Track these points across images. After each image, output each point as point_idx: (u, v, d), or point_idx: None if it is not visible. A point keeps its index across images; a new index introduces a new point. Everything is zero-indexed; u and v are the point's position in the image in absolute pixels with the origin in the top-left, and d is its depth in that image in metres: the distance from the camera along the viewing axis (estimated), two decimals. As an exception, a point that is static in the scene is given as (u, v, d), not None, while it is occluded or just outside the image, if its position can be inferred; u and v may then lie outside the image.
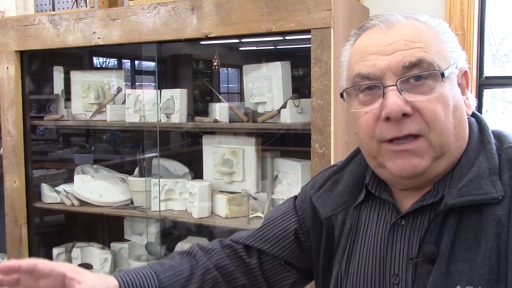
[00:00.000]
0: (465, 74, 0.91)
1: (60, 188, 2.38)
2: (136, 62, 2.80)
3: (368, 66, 0.87)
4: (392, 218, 0.92)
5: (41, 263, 0.90)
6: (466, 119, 0.89)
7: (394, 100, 0.82)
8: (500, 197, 0.80)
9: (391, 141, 0.85)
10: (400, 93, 0.83)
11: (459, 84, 0.89)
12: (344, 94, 0.93)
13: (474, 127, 0.90)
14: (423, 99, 0.83)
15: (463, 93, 0.90)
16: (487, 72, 1.96)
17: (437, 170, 0.86)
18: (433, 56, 0.84)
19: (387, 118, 0.84)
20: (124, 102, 2.27)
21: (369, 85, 0.87)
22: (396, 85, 0.83)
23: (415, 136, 0.84)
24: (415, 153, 0.84)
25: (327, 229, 1.02)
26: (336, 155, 1.65)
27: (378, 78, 0.85)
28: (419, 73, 0.83)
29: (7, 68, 2.23)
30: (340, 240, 1.00)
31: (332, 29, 1.60)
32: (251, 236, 1.10)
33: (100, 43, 2.04)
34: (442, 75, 0.83)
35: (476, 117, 0.93)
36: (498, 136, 0.89)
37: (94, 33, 2.04)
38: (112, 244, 2.45)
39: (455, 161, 0.87)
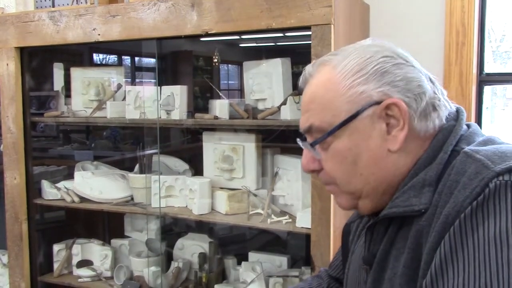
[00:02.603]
0: (396, 105, 0.84)
1: (61, 184, 2.38)
2: (136, 58, 2.80)
3: None
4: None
5: None
6: (380, 162, 0.86)
7: (302, 160, 0.95)
8: (423, 210, 0.80)
9: None
10: (311, 148, 0.91)
11: (386, 116, 0.85)
12: None
13: (442, 134, 0.86)
14: (324, 156, 0.90)
15: (394, 126, 0.85)
16: (487, 69, 1.96)
17: (368, 206, 0.91)
18: (323, 117, 0.88)
19: None
20: (124, 99, 2.27)
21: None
22: (301, 145, 0.94)
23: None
24: (334, 193, 0.95)
25: (343, 236, 1.11)
26: (336, 152, 1.65)
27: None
28: (304, 141, 0.92)
29: (7, 64, 2.23)
30: (352, 245, 1.08)
31: (332, 25, 1.59)
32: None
33: (100, 40, 2.03)
34: (313, 143, 0.89)
35: (456, 123, 0.88)
36: (485, 143, 0.85)
37: (94, 29, 2.04)
38: (112, 241, 2.45)
39: (383, 193, 0.89)
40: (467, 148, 0.81)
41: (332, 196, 1.63)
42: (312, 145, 0.89)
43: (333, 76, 0.88)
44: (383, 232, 0.88)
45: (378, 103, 0.84)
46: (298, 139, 0.94)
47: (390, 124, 0.85)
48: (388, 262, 0.85)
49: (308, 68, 0.93)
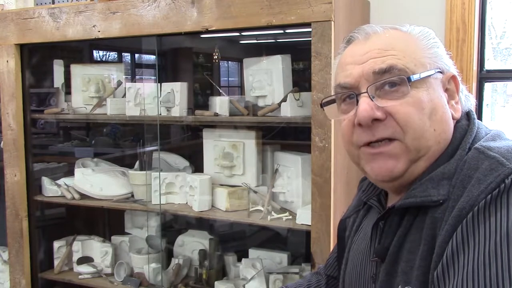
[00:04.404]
0: (453, 79, 0.91)
1: (61, 181, 2.39)
2: (136, 55, 2.80)
3: (345, 76, 0.90)
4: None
5: None
6: (450, 123, 0.89)
7: (364, 106, 0.85)
8: (441, 201, 0.80)
9: (368, 144, 0.88)
10: (372, 99, 0.85)
11: (446, 89, 0.90)
12: (326, 105, 0.97)
13: (459, 132, 0.89)
14: (395, 103, 0.85)
15: (452, 97, 0.91)
16: (488, 66, 1.96)
17: (415, 172, 0.87)
18: (406, 63, 0.86)
19: (360, 124, 0.86)
20: (124, 96, 2.27)
21: (346, 94, 0.90)
22: (367, 91, 0.86)
23: (390, 139, 0.86)
24: (390, 155, 0.86)
25: (339, 231, 1.10)
26: (337, 149, 1.65)
27: (354, 86, 0.88)
28: (388, 78, 0.85)
29: (7, 61, 2.22)
30: (348, 240, 1.07)
31: (332, 22, 1.59)
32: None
33: (100, 36, 2.03)
34: (409, 79, 0.84)
35: (469, 121, 0.92)
36: (493, 138, 0.88)
37: (94, 26, 2.04)
38: (112, 237, 2.45)
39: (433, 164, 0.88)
40: (477, 144, 0.83)
41: (332, 193, 1.64)
42: (409, 79, 0.84)
43: (412, 35, 0.91)
44: (396, 224, 0.87)
45: (442, 72, 0.89)
46: (368, 87, 0.86)
47: (447, 95, 0.90)
48: (402, 254, 0.85)
49: (373, 26, 0.92)
